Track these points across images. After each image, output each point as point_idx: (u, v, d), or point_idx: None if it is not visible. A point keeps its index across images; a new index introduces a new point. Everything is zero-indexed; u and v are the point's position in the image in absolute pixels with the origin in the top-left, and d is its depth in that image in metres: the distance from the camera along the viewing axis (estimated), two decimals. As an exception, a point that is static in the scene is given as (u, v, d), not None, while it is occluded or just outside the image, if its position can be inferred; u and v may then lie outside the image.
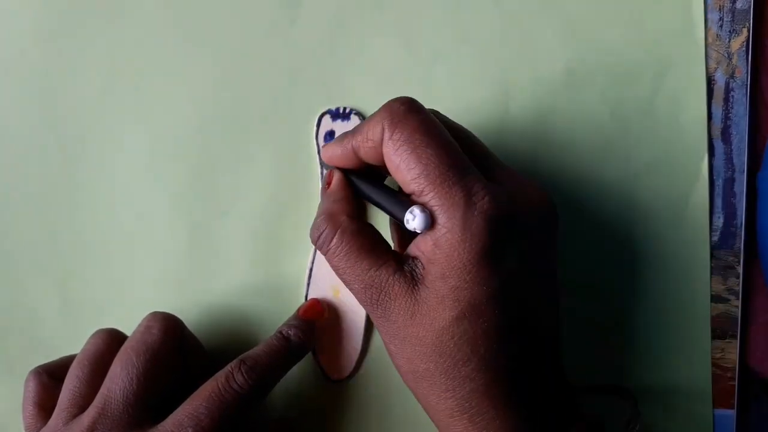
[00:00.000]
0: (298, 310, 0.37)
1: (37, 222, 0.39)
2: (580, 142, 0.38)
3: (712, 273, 0.38)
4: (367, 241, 0.31)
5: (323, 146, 0.34)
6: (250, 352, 0.34)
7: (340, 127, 0.38)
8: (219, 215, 0.39)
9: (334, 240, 0.31)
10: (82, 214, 0.39)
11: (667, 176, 0.38)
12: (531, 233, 0.30)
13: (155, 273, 0.39)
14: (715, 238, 0.38)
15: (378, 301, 0.30)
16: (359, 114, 0.38)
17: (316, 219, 0.32)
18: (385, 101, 0.31)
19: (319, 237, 0.31)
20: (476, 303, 0.28)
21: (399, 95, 0.38)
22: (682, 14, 0.38)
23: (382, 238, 0.32)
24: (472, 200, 0.28)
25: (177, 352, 0.33)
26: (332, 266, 0.31)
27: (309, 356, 0.38)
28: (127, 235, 0.39)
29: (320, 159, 0.38)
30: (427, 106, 0.37)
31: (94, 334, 0.35)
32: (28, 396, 0.34)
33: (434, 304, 0.29)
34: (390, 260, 0.30)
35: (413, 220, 0.28)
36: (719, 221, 0.39)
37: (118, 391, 0.31)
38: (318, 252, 0.38)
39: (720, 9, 0.38)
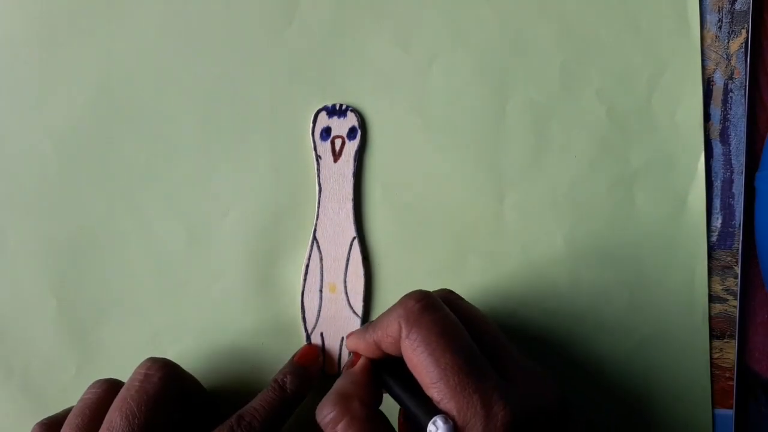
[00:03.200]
0: (294, 356, 0.37)
1: (34, 225, 0.39)
2: (576, 141, 0.38)
3: (710, 273, 0.38)
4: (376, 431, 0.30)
5: (347, 336, 0.35)
6: (248, 407, 0.33)
7: (336, 123, 0.38)
8: (217, 215, 0.39)
9: (341, 425, 0.30)
10: (78, 217, 0.39)
11: (664, 175, 0.38)
12: None
13: (153, 274, 0.39)
14: (714, 239, 0.39)
15: None
16: (355, 111, 0.38)
17: (328, 395, 0.31)
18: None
19: (326, 416, 0.30)
20: None
21: (395, 94, 0.38)
22: (677, 13, 0.38)
23: (392, 429, 0.31)
24: (492, 411, 0.28)
25: (177, 399, 0.33)
26: None
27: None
28: (124, 237, 0.39)
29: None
30: (422, 106, 0.38)
31: (92, 384, 0.34)
32: None
33: None
34: None
35: (436, 431, 0.28)
36: (718, 222, 0.39)
37: None
38: (314, 247, 0.38)
39: (719, 10, 0.38)
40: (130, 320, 0.38)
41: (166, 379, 0.32)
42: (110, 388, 0.33)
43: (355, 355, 0.34)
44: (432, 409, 0.29)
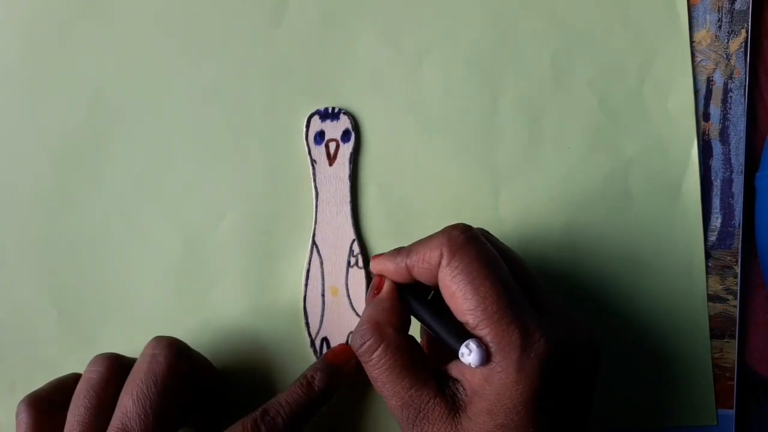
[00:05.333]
0: (326, 354, 0.36)
1: (32, 236, 0.38)
2: (569, 133, 0.39)
3: (710, 273, 0.39)
4: (410, 357, 0.31)
5: (373, 257, 0.34)
6: (274, 400, 0.33)
7: (330, 127, 0.38)
8: (213, 221, 0.38)
9: (378, 352, 0.31)
10: (75, 226, 0.38)
11: (658, 164, 0.39)
12: (578, 373, 0.30)
13: (152, 282, 0.38)
14: (713, 238, 0.39)
15: (415, 422, 0.30)
16: (348, 114, 0.38)
17: (360, 325, 0.32)
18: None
19: (362, 345, 0.31)
20: None
21: (387, 94, 0.38)
22: (665, 1, 0.38)
23: (424, 354, 0.32)
24: (528, 341, 0.28)
25: (185, 377, 0.33)
26: (371, 377, 0.31)
27: (310, 355, 0.38)
28: (121, 245, 0.38)
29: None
30: (414, 104, 0.38)
31: (94, 361, 0.34)
32: (27, 427, 0.33)
33: None
34: (431, 381, 0.30)
35: (469, 354, 0.28)
36: (717, 221, 0.39)
37: (134, 425, 0.31)
38: (314, 252, 0.38)
39: (718, 10, 0.38)
40: (130, 328, 0.38)
41: (173, 357, 0.33)
42: (111, 365, 0.33)
43: (377, 278, 0.34)
44: (464, 334, 0.29)
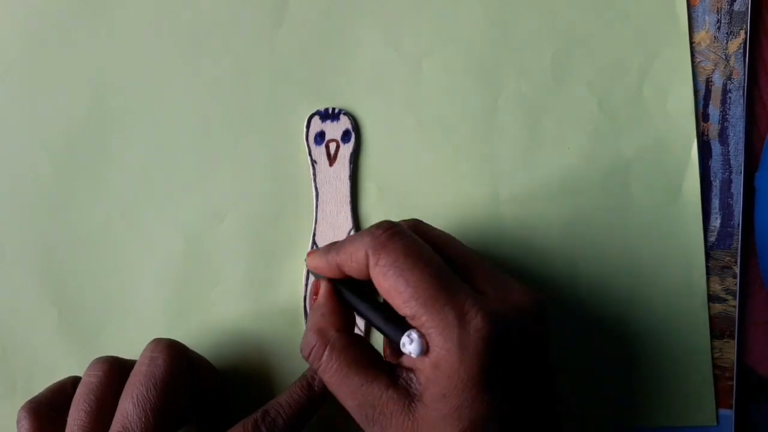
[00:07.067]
0: None
1: (32, 236, 0.38)
2: (569, 133, 0.39)
3: (709, 273, 0.39)
4: (358, 355, 0.31)
5: (308, 253, 0.34)
6: (274, 401, 0.33)
7: (330, 127, 0.38)
8: (213, 221, 0.38)
9: (324, 356, 0.31)
10: (76, 227, 0.38)
11: (658, 163, 0.39)
12: (525, 340, 0.31)
13: (152, 283, 0.38)
14: (713, 239, 0.39)
15: (373, 419, 0.30)
16: (348, 114, 0.38)
17: (305, 334, 0.32)
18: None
19: (309, 353, 0.31)
20: (479, 420, 0.29)
21: (387, 94, 0.38)
22: (665, 2, 0.38)
23: (374, 349, 0.32)
24: (465, 319, 0.29)
25: (185, 379, 0.33)
26: (325, 382, 0.32)
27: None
28: (122, 245, 0.38)
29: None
30: (414, 105, 0.38)
31: (93, 365, 0.34)
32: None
33: (435, 423, 0.29)
34: (382, 375, 0.30)
35: (410, 344, 0.29)
36: (716, 221, 0.39)
37: (135, 428, 0.31)
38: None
39: (717, 11, 0.38)
40: (131, 328, 0.38)
41: (172, 359, 0.33)
42: (110, 369, 0.33)
43: (316, 282, 0.34)
44: (404, 325, 0.30)
